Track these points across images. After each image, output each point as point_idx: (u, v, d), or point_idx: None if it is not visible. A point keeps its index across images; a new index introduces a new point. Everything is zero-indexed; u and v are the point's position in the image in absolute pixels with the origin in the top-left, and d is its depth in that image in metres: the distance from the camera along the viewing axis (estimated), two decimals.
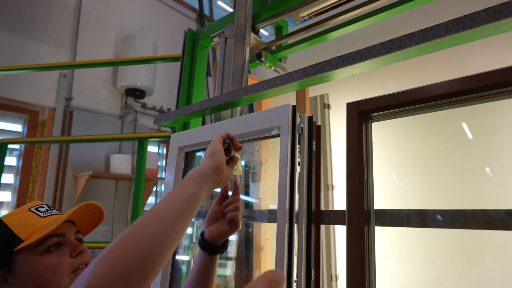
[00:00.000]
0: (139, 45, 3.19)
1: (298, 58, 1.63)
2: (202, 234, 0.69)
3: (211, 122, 1.69)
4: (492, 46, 1.14)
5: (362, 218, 0.62)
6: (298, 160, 0.73)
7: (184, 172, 1.01)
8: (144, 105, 3.45)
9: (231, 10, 4.77)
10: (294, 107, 0.76)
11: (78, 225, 0.78)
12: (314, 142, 0.76)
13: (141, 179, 1.75)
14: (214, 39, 1.36)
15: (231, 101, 1.01)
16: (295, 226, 0.70)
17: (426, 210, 0.56)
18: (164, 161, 3.87)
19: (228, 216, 0.66)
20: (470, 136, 1.00)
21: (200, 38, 1.40)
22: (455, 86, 0.54)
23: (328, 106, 1.31)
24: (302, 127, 0.75)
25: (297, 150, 0.74)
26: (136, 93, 3.17)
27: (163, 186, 3.84)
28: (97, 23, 3.22)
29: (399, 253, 1.08)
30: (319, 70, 0.82)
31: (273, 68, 1.30)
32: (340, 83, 1.59)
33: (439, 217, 0.56)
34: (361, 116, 0.65)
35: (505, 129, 0.97)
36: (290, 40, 1.27)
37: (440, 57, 1.23)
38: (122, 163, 2.98)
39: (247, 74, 1.08)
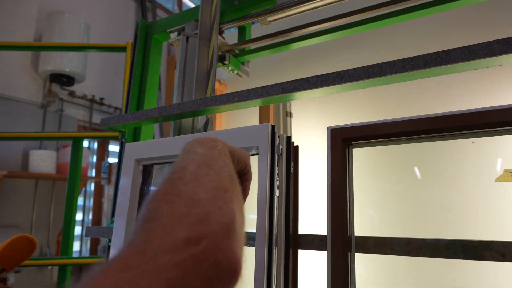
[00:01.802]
0: (67, 23, 2.79)
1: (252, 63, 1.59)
2: None
3: (162, 128, 1.56)
4: None
5: (346, 244, 0.62)
6: (277, 183, 0.71)
7: (142, 188, 0.91)
8: (72, 93, 3.06)
9: None
10: (273, 127, 0.72)
11: (1, 260, 0.64)
12: (292, 163, 0.74)
13: (76, 183, 1.55)
14: (172, 35, 1.24)
15: (196, 110, 0.94)
16: (274, 251, 0.67)
17: (413, 238, 0.58)
18: (94, 157, 3.52)
19: None
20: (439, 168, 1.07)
21: (155, 32, 1.27)
22: (441, 123, 0.56)
23: (290, 115, 1.31)
24: (281, 149, 0.72)
25: (276, 172, 0.71)
26: (63, 79, 2.79)
27: (92, 185, 3.49)
28: None
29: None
30: (297, 87, 0.80)
31: (235, 71, 1.25)
32: None
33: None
34: (344, 143, 0.65)
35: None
36: (255, 45, 1.22)
37: None
38: (44, 160, 2.60)
39: (214, 80, 1.01)
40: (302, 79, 0.78)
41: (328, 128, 0.68)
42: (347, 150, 0.66)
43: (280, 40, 1.18)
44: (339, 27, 1.09)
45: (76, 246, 3.59)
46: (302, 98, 0.84)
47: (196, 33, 1.11)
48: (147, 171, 0.92)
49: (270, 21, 1.18)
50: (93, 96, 3.25)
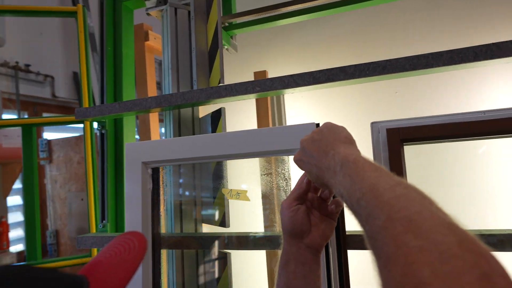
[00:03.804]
0: None
1: None
2: None
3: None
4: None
5: None
6: None
7: (153, 193, 0.79)
8: None
9: None
10: (318, 126, 0.66)
11: None
12: None
13: (34, 177, 1.31)
14: (147, 2, 1.03)
15: (204, 100, 0.81)
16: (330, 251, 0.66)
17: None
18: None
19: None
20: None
21: None
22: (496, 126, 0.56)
23: None
24: None
25: None
26: None
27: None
28: None
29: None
30: (331, 77, 0.73)
31: (225, 47, 1.11)
32: (280, 60, 1.50)
33: None
34: (401, 142, 0.62)
35: None
36: (241, 19, 1.08)
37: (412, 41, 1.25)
38: None
39: (222, 65, 0.88)
40: (337, 68, 0.72)
41: (379, 126, 0.64)
42: (402, 148, 0.64)
43: (276, 14, 1.06)
44: (327, 5, 1.01)
45: (18, 232, 3.22)
46: (329, 87, 0.78)
47: (187, 4, 0.94)
48: (155, 174, 0.80)
49: None
50: (17, 62, 2.72)
